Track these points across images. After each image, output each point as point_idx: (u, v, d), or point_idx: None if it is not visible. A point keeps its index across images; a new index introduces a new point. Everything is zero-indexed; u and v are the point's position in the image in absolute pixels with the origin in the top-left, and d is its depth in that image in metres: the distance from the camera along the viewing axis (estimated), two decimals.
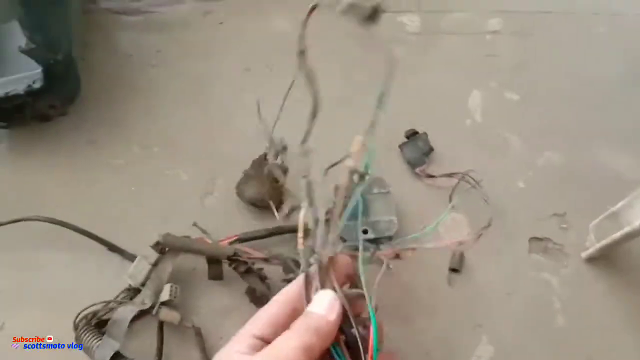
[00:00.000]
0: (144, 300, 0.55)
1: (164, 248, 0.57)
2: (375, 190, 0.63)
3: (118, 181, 0.66)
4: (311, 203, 0.36)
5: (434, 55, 0.80)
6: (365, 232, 0.61)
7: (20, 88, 0.60)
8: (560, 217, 0.67)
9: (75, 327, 0.53)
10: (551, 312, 0.61)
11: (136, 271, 0.56)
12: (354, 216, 0.60)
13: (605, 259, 0.63)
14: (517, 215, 0.66)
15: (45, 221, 0.58)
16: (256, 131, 0.65)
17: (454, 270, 0.62)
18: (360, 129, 0.34)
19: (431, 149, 0.69)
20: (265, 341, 0.35)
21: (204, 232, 0.59)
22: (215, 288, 0.59)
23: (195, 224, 0.60)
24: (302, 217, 0.36)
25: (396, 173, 0.68)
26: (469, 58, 0.80)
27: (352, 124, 0.33)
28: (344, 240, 0.60)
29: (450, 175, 0.67)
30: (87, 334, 0.53)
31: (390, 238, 0.60)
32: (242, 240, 0.60)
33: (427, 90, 0.76)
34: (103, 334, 0.53)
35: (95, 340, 0.52)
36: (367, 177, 0.36)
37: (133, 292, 0.56)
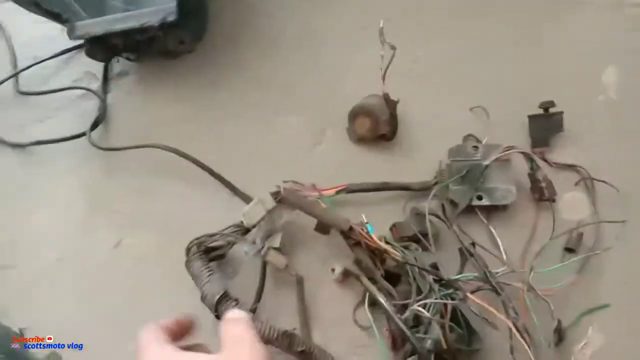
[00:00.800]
0: (256, 240, 0.56)
1: (283, 199, 0.57)
2: (494, 157, 0.60)
3: (234, 122, 0.68)
4: None
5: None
6: (479, 198, 0.58)
7: (154, 20, 0.62)
8: None
9: (187, 251, 0.55)
10: None
11: (252, 212, 0.56)
12: (468, 181, 0.59)
13: None
14: None
15: (168, 150, 0.61)
16: (370, 86, 0.63)
17: (569, 250, 0.58)
18: None
19: (560, 130, 0.63)
20: None
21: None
22: (320, 240, 0.59)
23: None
24: None
25: (515, 143, 0.63)
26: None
27: None
28: (456, 205, 0.59)
29: (569, 166, 0.62)
30: (198, 262, 0.54)
31: (505, 207, 0.57)
32: (349, 191, 0.60)
33: (562, 61, 0.70)
34: (211, 260, 0.55)
35: (206, 271, 0.53)
36: None
37: (242, 231, 0.57)
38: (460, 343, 0.50)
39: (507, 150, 0.58)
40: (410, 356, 0.49)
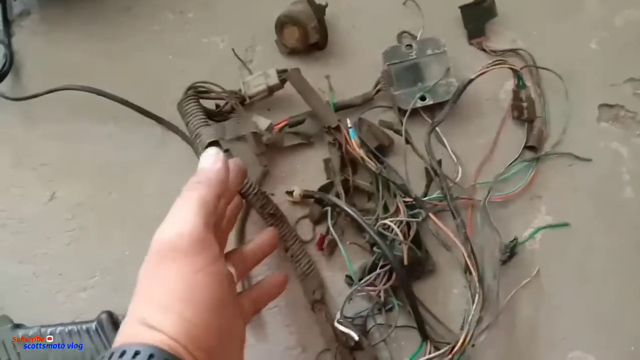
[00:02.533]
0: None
1: (285, 79, 0.55)
2: (429, 52, 0.57)
3: (155, 50, 0.63)
4: None
5: None
6: (423, 98, 0.56)
7: None
8: (635, 82, 0.60)
9: (185, 92, 0.54)
10: (620, 184, 0.57)
11: (253, 82, 0.55)
12: (409, 83, 0.57)
13: None
14: (587, 80, 0.60)
15: (81, 90, 0.56)
16: None
17: (531, 147, 0.57)
18: None
19: (494, 15, 0.61)
20: None
21: None
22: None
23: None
24: None
25: (453, 37, 0.61)
26: None
27: None
28: (401, 110, 0.56)
29: (509, 51, 0.60)
30: (197, 104, 0.53)
31: (464, 90, 0.54)
32: (292, 125, 0.57)
33: None
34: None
35: (202, 116, 0.52)
36: None
37: (237, 97, 0.55)
38: (416, 264, 0.51)
39: (496, 65, 0.54)
40: (369, 272, 0.50)
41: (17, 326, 0.52)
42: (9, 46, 0.63)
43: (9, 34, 0.64)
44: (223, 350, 0.36)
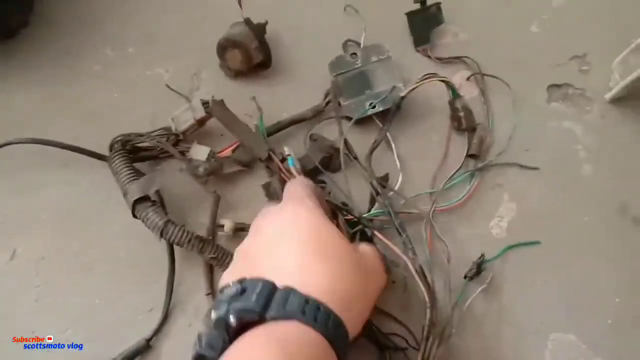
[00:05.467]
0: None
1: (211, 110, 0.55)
2: (374, 58, 0.57)
3: (99, 90, 0.62)
4: None
5: None
6: (373, 106, 0.56)
7: None
8: (580, 59, 0.61)
9: (111, 148, 0.54)
10: (577, 162, 0.57)
11: (181, 117, 0.55)
12: (357, 91, 0.57)
13: (632, 98, 0.58)
14: (532, 63, 0.61)
15: (29, 142, 0.55)
16: (232, 14, 0.58)
17: (472, 156, 0.57)
18: None
19: (441, 22, 0.61)
20: None
21: None
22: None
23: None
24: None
25: (399, 43, 0.61)
26: None
27: None
28: (350, 119, 0.56)
29: (454, 58, 0.61)
30: (120, 159, 0.53)
31: (399, 107, 0.55)
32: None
33: None
34: (134, 160, 0.55)
35: (127, 171, 0.52)
36: None
37: (170, 136, 0.55)
38: None
39: (426, 79, 0.54)
40: None
41: None
42: None
43: None
44: None
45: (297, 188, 0.45)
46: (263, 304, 0.33)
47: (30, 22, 0.63)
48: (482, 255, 0.51)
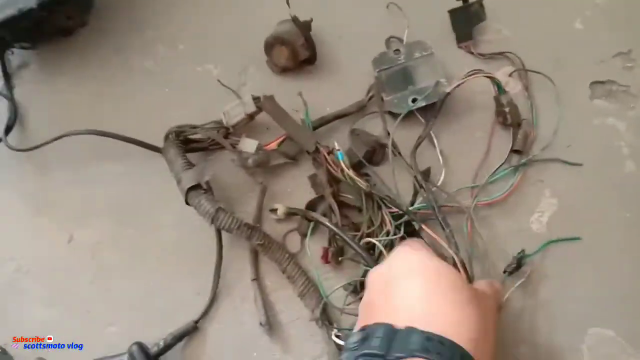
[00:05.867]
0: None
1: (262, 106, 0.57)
2: (417, 55, 0.58)
3: (151, 85, 0.65)
4: None
5: None
6: (414, 101, 0.57)
7: (32, 2, 0.58)
8: (624, 56, 0.61)
9: (166, 138, 0.57)
10: (620, 158, 0.57)
11: (232, 111, 0.57)
12: (400, 87, 0.58)
13: None
14: (576, 60, 0.61)
15: (86, 133, 0.57)
16: (280, 12, 0.60)
17: (516, 151, 0.57)
18: None
19: (483, 19, 0.61)
20: None
21: None
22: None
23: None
24: None
25: (441, 40, 0.62)
26: None
27: None
28: (392, 114, 0.58)
29: (496, 54, 0.61)
30: (174, 149, 0.56)
31: (443, 103, 0.55)
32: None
33: None
34: (188, 151, 0.57)
35: (181, 160, 0.55)
36: None
37: (219, 128, 0.57)
38: None
39: (471, 75, 0.54)
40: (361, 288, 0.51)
41: None
42: (12, 99, 0.65)
43: (10, 86, 0.67)
44: None
45: (407, 242, 0.47)
46: (386, 346, 0.34)
47: (88, 21, 0.67)
48: (522, 250, 0.52)
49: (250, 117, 0.57)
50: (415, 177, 0.53)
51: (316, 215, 0.54)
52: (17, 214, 0.62)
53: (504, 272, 0.52)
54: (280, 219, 0.56)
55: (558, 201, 0.56)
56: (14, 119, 0.64)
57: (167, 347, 0.53)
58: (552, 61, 0.60)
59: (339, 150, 0.54)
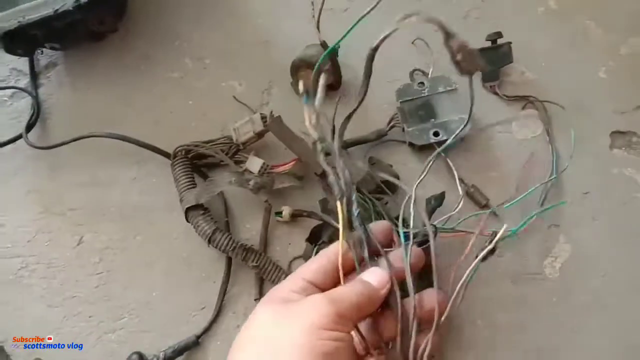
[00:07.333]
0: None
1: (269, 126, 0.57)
2: (441, 89, 0.59)
3: (175, 95, 0.65)
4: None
5: None
6: (436, 134, 0.58)
7: (68, 4, 0.59)
8: None
9: (174, 156, 0.57)
10: (637, 210, 0.57)
11: (242, 128, 0.57)
12: (422, 119, 0.58)
13: None
14: (597, 109, 0.61)
15: (106, 137, 0.58)
16: (307, 36, 0.61)
17: None
18: None
19: (510, 61, 0.62)
20: (315, 286, 0.40)
21: None
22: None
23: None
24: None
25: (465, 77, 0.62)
26: None
27: None
28: (413, 146, 0.58)
29: (520, 97, 0.62)
30: (180, 167, 0.57)
31: (462, 139, 0.56)
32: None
33: None
34: (196, 167, 0.58)
35: (185, 179, 0.56)
36: None
37: (230, 144, 0.58)
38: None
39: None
40: None
41: None
42: (36, 97, 0.66)
43: (35, 85, 0.68)
44: None
45: (268, 293, 0.41)
46: None
47: (119, 28, 0.68)
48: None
49: (259, 135, 0.57)
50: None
51: (324, 215, 0.54)
52: (29, 211, 0.62)
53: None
54: (287, 221, 0.57)
55: (572, 248, 0.55)
56: (37, 116, 0.65)
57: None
58: (574, 106, 0.61)
59: None
